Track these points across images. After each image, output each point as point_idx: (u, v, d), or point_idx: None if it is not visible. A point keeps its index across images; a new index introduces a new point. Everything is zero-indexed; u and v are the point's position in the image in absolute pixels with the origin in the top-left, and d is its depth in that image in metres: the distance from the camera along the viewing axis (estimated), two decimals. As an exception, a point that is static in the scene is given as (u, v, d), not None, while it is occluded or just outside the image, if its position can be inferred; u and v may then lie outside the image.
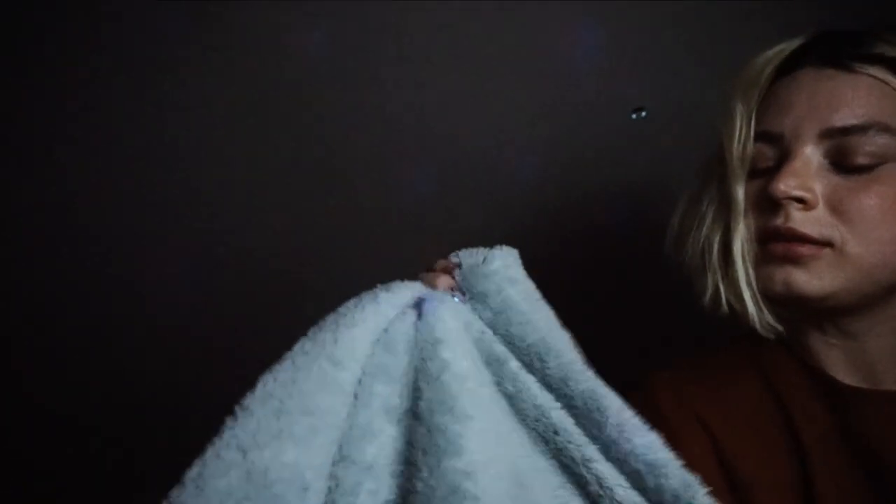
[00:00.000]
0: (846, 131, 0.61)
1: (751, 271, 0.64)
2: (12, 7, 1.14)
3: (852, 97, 0.61)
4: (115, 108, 1.18)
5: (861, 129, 0.60)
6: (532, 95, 1.19)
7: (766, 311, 0.65)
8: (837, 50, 0.64)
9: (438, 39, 1.19)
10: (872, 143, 0.60)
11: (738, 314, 0.66)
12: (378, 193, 1.21)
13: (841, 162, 0.61)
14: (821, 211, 0.61)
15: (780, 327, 0.66)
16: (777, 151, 0.64)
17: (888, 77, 0.61)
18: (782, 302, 0.64)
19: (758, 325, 0.65)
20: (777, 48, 0.68)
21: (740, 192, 0.65)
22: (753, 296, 0.64)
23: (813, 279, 0.61)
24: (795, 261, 0.61)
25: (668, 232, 0.73)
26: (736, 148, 0.65)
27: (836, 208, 0.61)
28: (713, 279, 0.67)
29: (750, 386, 0.69)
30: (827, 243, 0.61)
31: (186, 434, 1.27)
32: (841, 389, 0.65)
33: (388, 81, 1.19)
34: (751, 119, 0.65)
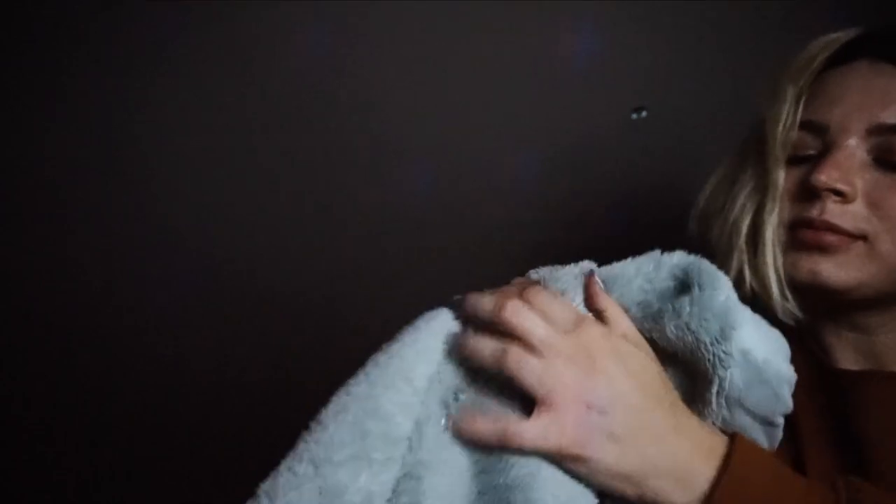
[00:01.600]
0: (895, 129, 0.61)
1: (779, 256, 0.64)
2: (8, 5, 1.14)
3: None
4: (112, 107, 1.18)
5: None
6: (532, 95, 1.19)
7: (789, 298, 0.65)
8: (894, 47, 0.63)
9: (439, 39, 1.19)
10: None
11: (759, 298, 0.66)
12: (377, 193, 1.21)
13: (885, 159, 0.61)
14: (858, 205, 0.62)
15: (799, 314, 0.65)
16: (820, 141, 0.64)
17: None
18: (805, 290, 0.64)
19: (779, 311, 0.65)
20: (832, 36, 0.67)
21: (780, 177, 0.64)
22: (779, 281, 0.64)
23: (839, 270, 0.62)
24: (824, 249, 0.62)
25: (693, 209, 0.72)
26: (780, 132, 0.64)
27: (873, 203, 0.61)
28: (739, 261, 0.67)
29: None
30: (860, 237, 0.62)
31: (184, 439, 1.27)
32: (843, 374, 0.66)
33: (388, 81, 1.19)
34: (798, 105, 0.64)
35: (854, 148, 0.62)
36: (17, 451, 1.23)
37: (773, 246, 0.64)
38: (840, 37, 0.66)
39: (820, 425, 0.65)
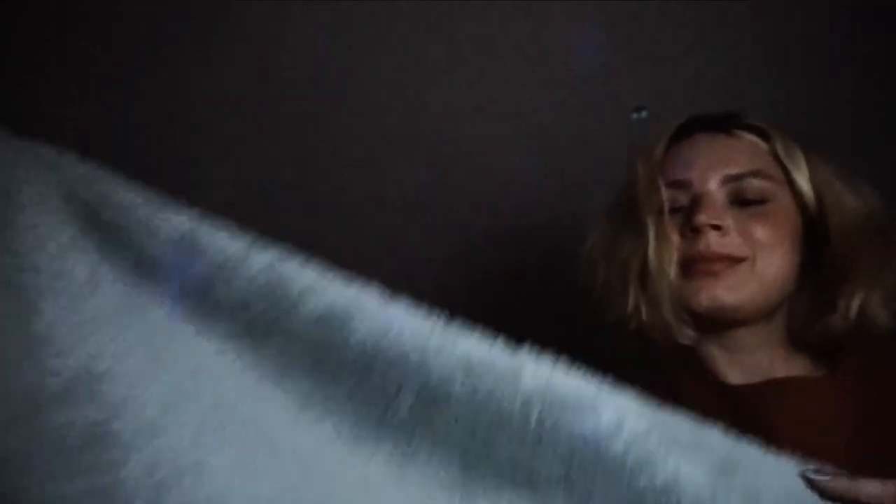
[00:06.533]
0: (740, 177, 0.79)
1: (673, 289, 0.77)
2: (8, 6, 1.14)
3: (739, 153, 0.81)
4: (112, 105, 1.19)
5: (750, 175, 0.79)
6: (532, 95, 1.19)
7: (682, 322, 0.78)
8: (722, 121, 0.83)
9: (439, 39, 1.19)
10: (758, 186, 0.79)
11: (650, 327, 0.78)
12: (377, 192, 1.21)
13: (738, 199, 0.78)
14: (733, 236, 0.77)
15: (693, 334, 0.78)
16: (688, 195, 0.80)
17: (758, 140, 0.82)
18: (704, 315, 0.77)
19: (677, 336, 0.78)
20: (668, 123, 0.85)
21: (651, 230, 0.79)
22: (674, 310, 0.77)
23: (731, 291, 0.76)
24: (717, 276, 0.76)
25: (582, 258, 0.85)
26: (644, 192, 0.81)
27: (743, 233, 0.77)
28: (634, 297, 0.79)
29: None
30: (742, 259, 0.76)
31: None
32: (735, 389, 0.77)
33: (388, 81, 1.19)
34: (653, 171, 0.81)
35: (716, 193, 0.78)
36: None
37: (667, 282, 0.77)
38: (673, 123, 0.85)
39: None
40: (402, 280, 1.24)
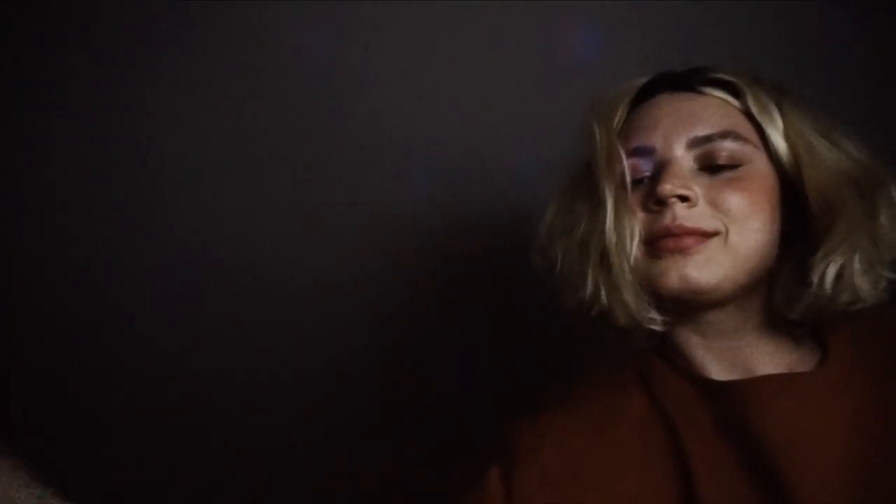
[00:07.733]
0: (709, 139, 0.71)
1: (629, 268, 0.70)
2: (9, 5, 1.14)
3: (707, 112, 0.72)
4: (112, 108, 1.19)
5: (720, 136, 0.70)
6: (532, 95, 1.19)
7: (646, 304, 0.70)
8: (686, 78, 0.76)
9: (438, 40, 1.19)
10: (730, 148, 0.70)
11: (612, 312, 0.71)
12: (376, 193, 1.21)
13: (708, 164, 0.70)
14: (703, 206, 0.69)
15: (659, 318, 0.71)
16: (651, 162, 0.72)
17: (728, 97, 0.74)
18: (675, 298, 0.69)
19: (642, 322, 0.70)
20: (628, 84, 0.79)
21: (610, 203, 0.71)
22: (636, 295, 0.70)
23: (704, 269, 0.68)
24: (687, 253, 0.68)
25: (537, 239, 0.78)
26: (603, 161, 0.73)
27: (714, 203, 0.69)
28: (593, 278, 0.72)
29: (638, 407, 0.72)
30: (713, 233, 0.68)
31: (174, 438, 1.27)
32: (718, 386, 0.70)
33: (388, 81, 1.20)
34: (611, 137, 0.74)
35: (683, 159, 0.71)
36: (17, 451, 1.23)
37: (628, 260, 0.70)
38: (635, 82, 0.79)
39: (711, 445, 0.67)
40: (401, 280, 1.25)
